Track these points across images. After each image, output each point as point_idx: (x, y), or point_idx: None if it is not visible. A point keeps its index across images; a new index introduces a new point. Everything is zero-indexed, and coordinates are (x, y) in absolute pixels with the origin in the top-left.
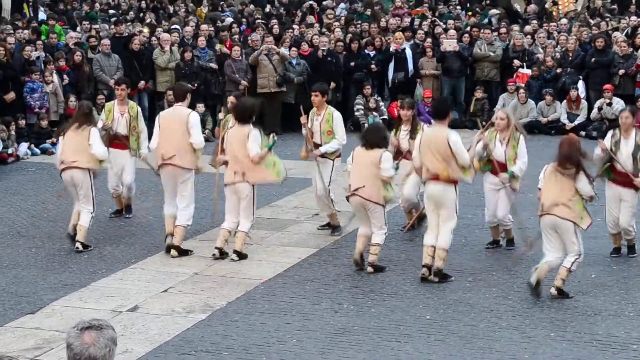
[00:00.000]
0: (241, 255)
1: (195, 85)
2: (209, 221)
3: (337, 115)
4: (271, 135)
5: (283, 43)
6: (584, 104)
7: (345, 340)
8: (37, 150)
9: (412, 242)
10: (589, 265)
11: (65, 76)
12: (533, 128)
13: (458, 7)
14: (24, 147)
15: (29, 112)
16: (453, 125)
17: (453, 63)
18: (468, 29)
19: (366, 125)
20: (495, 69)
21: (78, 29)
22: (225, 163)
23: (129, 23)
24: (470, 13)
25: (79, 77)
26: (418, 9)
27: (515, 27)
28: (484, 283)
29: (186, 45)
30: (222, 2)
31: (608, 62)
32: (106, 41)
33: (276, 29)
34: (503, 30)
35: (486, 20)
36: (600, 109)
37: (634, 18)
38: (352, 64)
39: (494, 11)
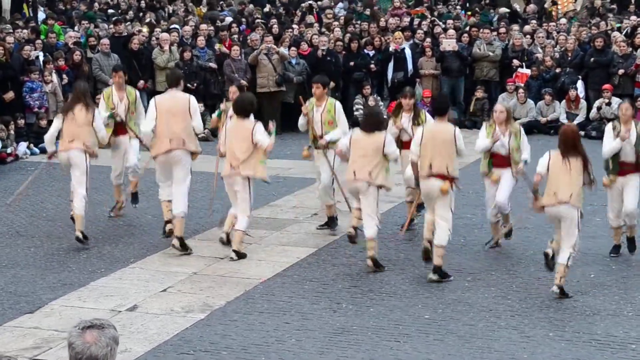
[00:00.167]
0: (240, 255)
1: (195, 84)
2: (207, 221)
3: (339, 105)
4: (270, 124)
5: (282, 43)
6: (583, 103)
7: (344, 340)
8: (36, 150)
9: (410, 241)
10: (588, 265)
11: (64, 76)
12: (532, 128)
13: (458, 7)
14: (23, 146)
15: (28, 111)
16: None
17: (452, 63)
18: (467, 28)
19: None
20: (494, 69)
21: (76, 28)
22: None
23: (128, 23)
24: (469, 13)
25: (78, 76)
26: (417, 9)
27: (515, 27)
28: (482, 283)
29: (185, 44)
30: (221, 2)
31: (607, 62)
32: (105, 41)
33: (275, 29)
34: (502, 30)
35: (496, 19)
36: (599, 108)
37: (633, 18)
38: (352, 63)
39: (503, 10)
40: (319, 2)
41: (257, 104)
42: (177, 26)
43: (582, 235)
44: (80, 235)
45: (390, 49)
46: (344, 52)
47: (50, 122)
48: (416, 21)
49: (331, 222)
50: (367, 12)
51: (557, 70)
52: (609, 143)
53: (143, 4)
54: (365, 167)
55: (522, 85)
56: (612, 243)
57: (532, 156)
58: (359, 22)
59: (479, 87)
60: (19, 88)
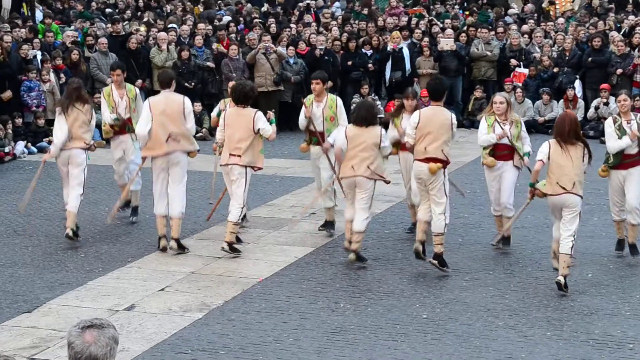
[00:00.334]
0: (232, 248)
1: (192, 84)
2: (205, 220)
3: (341, 102)
4: (269, 113)
5: (280, 42)
6: (580, 103)
7: (341, 339)
8: (34, 149)
9: (408, 240)
10: (586, 264)
11: (62, 75)
12: (530, 127)
13: (456, 7)
14: (20, 145)
15: (26, 110)
16: None
17: (450, 62)
18: (465, 28)
19: None
20: (492, 69)
21: (72, 27)
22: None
23: (126, 22)
24: (467, 12)
25: (76, 75)
26: (415, 8)
27: (514, 27)
28: (480, 282)
29: (183, 44)
30: (219, 2)
31: (605, 62)
32: (103, 40)
33: (273, 28)
34: (500, 29)
35: (507, 18)
36: (597, 108)
37: (631, 17)
38: (350, 63)
39: (513, 10)
40: (315, 1)
41: (257, 93)
42: (174, 25)
43: (580, 235)
44: (71, 233)
45: (388, 49)
46: (341, 52)
47: (48, 121)
48: (414, 20)
49: (330, 226)
50: (365, 11)
51: (555, 69)
52: (615, 139)
53: (141, 3)
54: (364, 161)
55: (520, 84)
56: (610, 243)
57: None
58: (356, 21)
59: (478, 87)
60: (17, 87)
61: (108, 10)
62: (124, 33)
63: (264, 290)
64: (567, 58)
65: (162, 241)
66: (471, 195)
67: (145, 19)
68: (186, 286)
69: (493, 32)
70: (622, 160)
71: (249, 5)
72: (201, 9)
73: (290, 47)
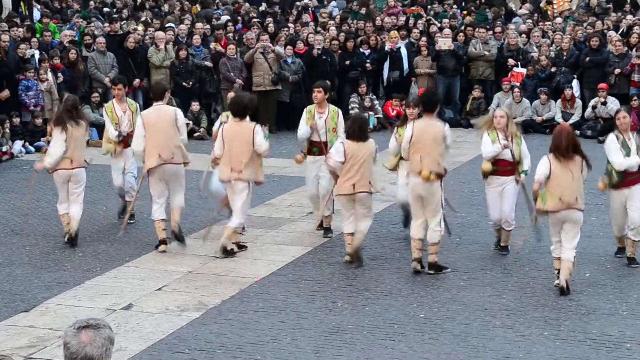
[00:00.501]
0: (226, 251)
1: (190, 83)
2: (203, 220)
3: (341, 113)
4: (263, 128)
5: (278, 41)
6: (578, 103)
7: (339, 339)
8: (32, 148)
9: (405, 240)
10: (583, 264)
11: (59, 74)
12: (528, 127)
13: (454, 6)
14: (18, 145)
15: (23, 110)
16: (448, 124)
17: (448, 62)
18: (463, 27)
19: None
20: (490, 68)
21: (69, 24)
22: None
23: (124, 21)
24: (465, 12)
25: (74, 75)
26: (413, 8)
27: (512, 26)
28: (478, 282)
29: (181, 43)
30: (217, 1)
31: (603, 61)
32: (101, 39)
33: (271, 28)
34: (498, 29)
35: (516, 19)
36: (594, 107)
37: (629, 17)
38: (347, 62)
39: (523, 11)
40: (310, 1)
41: (256, 103)
42: (172, 25)
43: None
44: (73, 235)
45: (386, 48)
46: (339, 51)
47: (45, 121)
48: (412, 20)
49: (327, 231)
50: (363, 11)
51: (553, 69)
52: (621, 156)
53: (139, 2)
54: (365, 177)
55: (518, 84)
56: (608, 243)
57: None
58: (354, 21)
59: (477, 86)
60: (15, 86)
61: (106, 9)
62: (121, 32)
63: (261, 290)
64: (564, 58)
65: (162, 246)
66: (469, 195)
67: (143, 18)
68: (184, 285)
69: (491, 32)
70: (625, 179)
71: (247, 4)
72: (199, 9)
73: (288, 47)
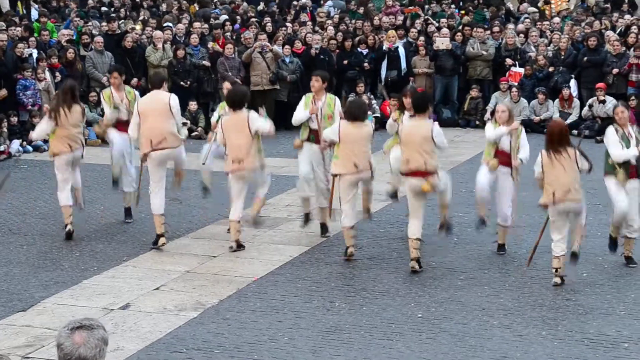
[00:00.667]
0: (240, 245)
1: (188, 82)
2: (201, 219)
3: (338, 101)
4: (260, 110)
5: (276, 41)
6: (576, 102)
7: (336, 339)
8: (29, 148)
9: (403, 240)
10: (581, 264)
11: (57, 73)
12: (526, 127)
13: (452, 6)
14: (16, 144)
15: (21, 109)
16: (446, 124)
17: (446, 61)
18: (461, 27)
19: None
20: (487, 68)
21: (68, 19)
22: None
23: (122, 20)
24: (463, 12)
25: (72, 74)
26: (411, 8)
27: (510, 26)
28: (475, 282)
29: (179, 42)
30: (215, 0)
31: (600, 61)
32: (99, 38)
33: (269, 27)
34: (496, 29)
35: (525, 18)
36: (590, 106)
37: (627, 17)
38: (345, 62)
39: (532, 9)
40: (304, 1)
41: (250, 97)
42: (170, 24)
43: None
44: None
45: (384, 48)
46: (337, 51)
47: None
48: (409, 20)
49: (324, 230)
50: (361, 10)
51: (551, 69)
52: (620, 148)
53: (137, 1)
54: (364, 156)
55: (516, 84)
56: (605, 243)
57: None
58: (352, 20)
59: (474, 86)
60: (13, 85)
61: (104, 9)
62: (119, 32)
63: (259, 289)
64: (562, 57)
65: (162, 239)
66: (466, 195)
67: (141, 18)
68: (181, 285)
69: (489, 32)
70: (631, 170)
71: (245, 4)
72: (197, 8)
73: (286, 46)
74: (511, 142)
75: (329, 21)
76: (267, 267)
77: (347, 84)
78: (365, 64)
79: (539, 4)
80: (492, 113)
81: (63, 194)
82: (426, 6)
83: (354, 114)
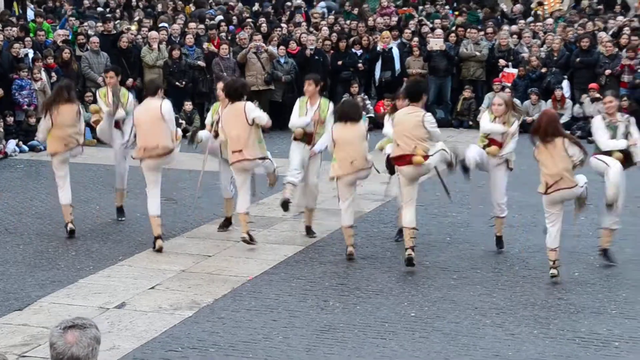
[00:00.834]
0: (251, 237)
1: (183, 83)
2: (196, 219)
3: (332, 106)
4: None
5: (271, 41)
6: (568, 103)
7: (330, 337)
8: (25, 148)
9: (397, 240)
10: (572, 263)
11: (53, 73)
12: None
13: (446, 7)
14: (12, 144)
15: (17, 109)
16: (440, 125)
17: (439, 62)
18: (454, 28)
19: None
20: (481, 69)
21: (64, 18)
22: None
23: (117, 21)
24: (457, 13)
25: (67, 74)
26: (404, 8)
27: (505, 27)
28: (468, 281)
29: (174, 43)
30: (210, 1)
31: (593, 62)
32: (95, 39)
33: (264, 28)
34: (489, 30)
35: (548, 21)
36: (581, 103)
37: (619, 18)
38: (340, 62)
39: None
40: (293, 1)
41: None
42: (165, 24)
43: (566, 234)
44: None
45: (378, 49)
46: (332, 51)
47: (39, 120)
48: (403, 20)
49: (311, 231)
50: (355, 11)
51: (543, 70)
52: (607, 137)
53: (134, 3)
54: (361, 155)
55: (509, 85)
56: (597, 242)
57: (519, 154)
58: (347, 21)
59: (467, 87)
60: (8, 85)
61: (99, 9)
62: (115, 32)
63: (253, 289)
64: (555, 58)
65: (158, 242)
66: (459, 195)
67: (136, 18)
68: (176, 284)
69: (482, 33)
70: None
71: (240, 4)
72: (193, 8)
73: (281, 47)
74: (503, 136)
75: (324, 22)
76: (262, 266)
77: (341, 84)
78: (360, 65)
79: (532, 6)
80: None
81: (63, 192)
82: (420, 7)
83: (347, 114)
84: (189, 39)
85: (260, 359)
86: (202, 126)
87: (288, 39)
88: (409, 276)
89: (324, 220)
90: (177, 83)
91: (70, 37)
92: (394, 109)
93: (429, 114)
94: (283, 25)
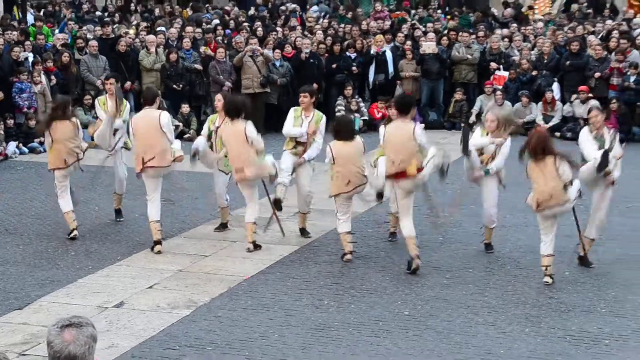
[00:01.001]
0: (256, 245)
1: (181, 86)
2: (193, 219)
3: (324, 120)
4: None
5: (267, 45)
6: (559, 105)
7: (325, 336)
8: (25, 149)
9: (390, 240)
10: (563, 262)
11: (53, 77)
12: None
13: (438, 11)
14: (12, 146)
15: (17, 111)
16: (432, 126)
17: (432, 65)
18: (446, 32)
19: None
20: (472, 71)
21: (64, 22)
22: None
23: (115, 25)
24: (449, 16)
25: (67, 77)
26: (397, 12)
27: (498, 32)
28: (460, 280)
29: (171, 46)
30: (207, 5)
31: (583, 65)
32: (94, 42)
33: (260, 32)
34: (481, 33)
35: (538, 24)
36: (571, 102)
37: (608, 22)
38: (334, 65)
39: (538, 16)
40: (287, 5)
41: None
42: (163, 28)
43: (558, 234)
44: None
45: (372, 52)
46: (326, 55)
47: (38, 122)
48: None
49: (305, 232)
50: (349, 15)
51: (534, 72)
52: (594, 149)
53: (132, 7)
54: (359, 172)
55: (500, 87)
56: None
57: (510, 156)
58: (341, 25)
59: (458, 89)
60: (9, 89)
61: (98, 13)
62: (113, 36)
63: (249, 288)
64: (545, 61)
65: (157, 247)
66: (452, 196)
67: (134, 22)
68: (174, 284)
69: (474, 36)
70: None
71: (236, 9)
72: (190, 13)
73: (277, 50)
74: (496, 150)
75: (318, 26)
76: (258, 266)
77: (335, 87)
78: (354, 68)
79: (523, 9)
80: (478, 115)
81: (64, 200)
82: (413, 11)
83: (344, 133)
84: (186, 43)
85: (257, 357)
86: (199, 128)
87: (283, 42)
88: (402, 275)
89: (319, 221)
90: (174, 86)
91: (69, 40)
92: (389, 120)
93: (419, 126)
94: (278, 29)
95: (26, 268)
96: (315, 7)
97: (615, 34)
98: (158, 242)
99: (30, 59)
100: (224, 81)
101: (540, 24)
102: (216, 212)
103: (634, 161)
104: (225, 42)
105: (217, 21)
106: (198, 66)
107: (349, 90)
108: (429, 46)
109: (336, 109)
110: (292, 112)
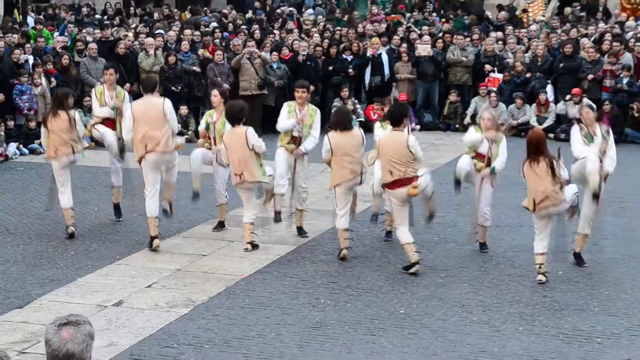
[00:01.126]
0: (253, 245)
1: (179, 88)
2: (191, 219)
3: (319, 113)
4: None
5: (264, 48)
6: (552, 107)
7: (322, 334)
8: (26, 151)
9: (386, 239)
10: (556, 261)
11: (53, 79)
12: None
13: (434, 14)
14: (12, 147)
15: (17, 113)
16: (428, 128)
17: (427, 67)
18: (441, 34)
19: None
20: (467, 74)
21: (64, 23)
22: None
23: (114, 28)
24: (444, 19)
25: (66, 79)
26: (393, 16)
27: (492, 34)
28: (455, 279)
29: (170, 49)
30: (205, 8)
31: (576, 67)
32: (93, 45)
33: (257, 34)
34: (475, 36)
35: (532, 27)
36: (565, 100)
37: (601, 25)
38: (331, 68)
39: (539, 18)
40: (287, 9)
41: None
42: (161, 31)
43: (550, 233)
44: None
45: (368, 54)
46: (323, 57)
47: (39, 124)
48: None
49: (302, 231)
50: (346, 18)
51: (528, 75)
52: (583, 145)
53: (131, 10)
54: (358, 163)
55: (494, 89)
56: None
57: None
58: (338, 28)
59: (453, 91)
60: (9, 90)
61: (97, 16)
62: (112, 39)
63: (247, 287)
64: (539, 64)
65: (155, 241)
66: (447, 196)
67: (133, 25)
68: (172, 283)
69: (468, 39)
70: None
71: (234, 12)
72: (188, 16)
73: (274, 53)
74: (491, 149)
75: (314, 29)
76: (255, 265)
77: (332, 89)
78: (350, 70)
79: (517, 13)
80: (473, 117)
81: (64, 197)
82: (408, 14)
83: (342, 123)
84: (185, 45)
85: (254, 355)
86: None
87: (280, 45)
88: (398, 275)
89: (316, 221)
90: (172, 88)
91: (69, 43)
92: (384, 118)
93: (412, 137)
94: (276, 32)
95: (26, 267)
96: (310, 10)
97: (608, 36)
98: (155, 237)
99: (31, 61)
100: (222, 83)
101: (534, 27)
102: (214, 212)
103: (627, 162)
104: (223, 44)
105: (215, 24)
106: (196, 68)
107: (345, 92)
108: (424, 49)
109: (332, 111)
110: (286, 107)
